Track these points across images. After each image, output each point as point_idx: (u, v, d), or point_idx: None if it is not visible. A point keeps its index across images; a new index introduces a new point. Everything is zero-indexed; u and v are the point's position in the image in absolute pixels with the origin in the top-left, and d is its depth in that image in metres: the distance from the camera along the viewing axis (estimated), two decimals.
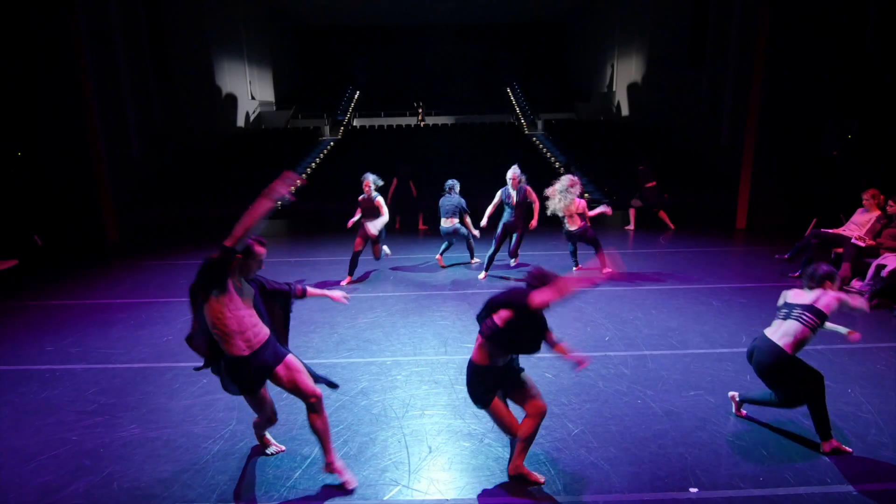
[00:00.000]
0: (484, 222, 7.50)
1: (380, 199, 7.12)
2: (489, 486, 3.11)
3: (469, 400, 3.95)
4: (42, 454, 3.46)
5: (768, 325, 3.54)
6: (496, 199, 7.34)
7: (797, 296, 3.46)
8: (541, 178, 8.48)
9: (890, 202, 6.51)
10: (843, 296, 3.36)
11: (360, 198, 7.21)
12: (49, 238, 10.12)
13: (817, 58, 10.06)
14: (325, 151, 20.35)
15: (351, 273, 7.29)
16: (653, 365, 4.67)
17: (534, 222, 7.38)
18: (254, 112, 23.25)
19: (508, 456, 3.35)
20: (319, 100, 26.85)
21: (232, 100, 21.01)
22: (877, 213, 6.69)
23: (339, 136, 23.26)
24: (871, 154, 10.04)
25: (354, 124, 26.79)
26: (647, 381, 4.37)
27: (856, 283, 6.53)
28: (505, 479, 3.17)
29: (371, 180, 7.12)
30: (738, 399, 3.83)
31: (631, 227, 10.90)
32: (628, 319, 5.74)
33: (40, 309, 6.51)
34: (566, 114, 24.57)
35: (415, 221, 11.99)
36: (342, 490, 3.07)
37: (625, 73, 22.33)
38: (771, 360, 3.35)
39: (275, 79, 26.01)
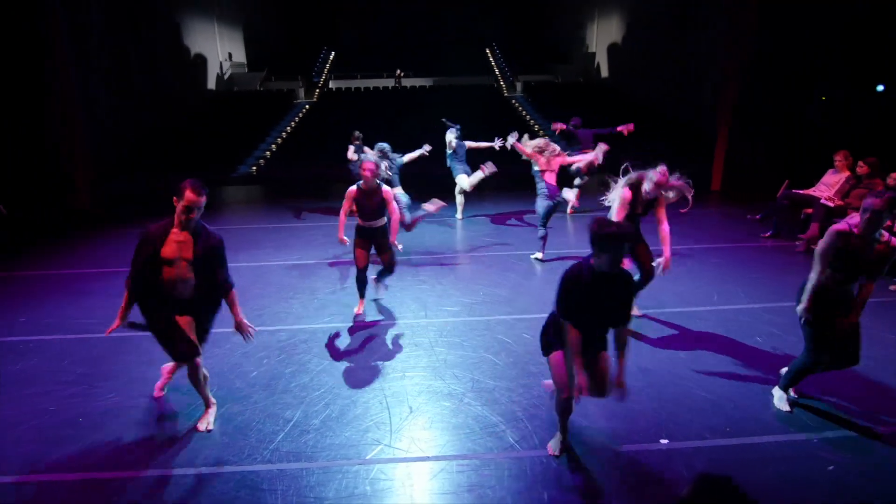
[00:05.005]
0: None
1: (388, 191, 4.79)
2: (469, 444, 3.20)
3: (449, 361, 4.02)
4: (22, 424, 3.43)
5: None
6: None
7: None
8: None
9: (860, 163, 6.65)
10: None
11: (355, 189, 4.76)
12: (16, 207, 9.78)
13: (805, 22, 10.02)
14: (300, 115, 19.86)
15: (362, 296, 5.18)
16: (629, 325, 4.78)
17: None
18: (225, 74, 22.45)
19: (487, 414, 3.45)
20: (294, 61, 25.98)
21: (202, 61, 20.21)
22: (846, 174, 6.83)
23: (315, 99, 22.67)
24: (852, 118, 10.19)
25: (330, 87, 26.09)
26: None
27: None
28: (485, 436, 3.26)
29: (375, 162, 4.71)
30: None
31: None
32: None
33: (11, 280, 6.35)
34: (545, 76, 24.25)
35: None
36: (325, 451, 3.13)
37: (605, 34, 22.02)
38: None
39: (246, 39, 25.03)
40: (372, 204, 4.77)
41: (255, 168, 15.21)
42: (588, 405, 3.55)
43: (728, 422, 3.37)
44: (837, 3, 9.97)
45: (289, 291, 5.71)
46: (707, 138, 13.60)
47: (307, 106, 20.99)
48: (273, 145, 16.99)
